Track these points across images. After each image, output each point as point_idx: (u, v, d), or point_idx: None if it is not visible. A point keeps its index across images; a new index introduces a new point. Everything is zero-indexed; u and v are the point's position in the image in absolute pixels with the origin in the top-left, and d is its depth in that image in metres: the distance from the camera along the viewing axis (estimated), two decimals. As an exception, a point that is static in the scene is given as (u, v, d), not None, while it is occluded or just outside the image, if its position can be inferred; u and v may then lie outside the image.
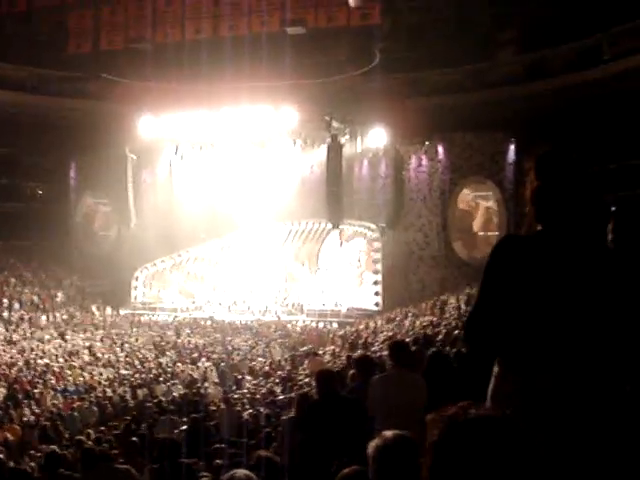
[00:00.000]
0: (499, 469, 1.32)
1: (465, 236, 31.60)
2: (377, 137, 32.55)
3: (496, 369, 2.37)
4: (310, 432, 5.16)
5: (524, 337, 2.26)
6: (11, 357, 22.93)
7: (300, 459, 4.94)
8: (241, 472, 2.81)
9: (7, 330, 28.29)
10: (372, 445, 2.36)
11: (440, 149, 32.03)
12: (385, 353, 14.76)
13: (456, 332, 15.73)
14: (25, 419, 15.39)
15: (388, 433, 2.40)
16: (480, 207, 31.70)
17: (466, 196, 31.65)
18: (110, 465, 6.12)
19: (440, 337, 15.60)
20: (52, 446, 10.40)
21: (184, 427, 11.86)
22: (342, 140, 33.48)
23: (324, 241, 35.42)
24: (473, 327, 2.39)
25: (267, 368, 20.74)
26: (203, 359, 23.42)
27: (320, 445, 4.77)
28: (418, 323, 22.05)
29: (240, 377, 19.88)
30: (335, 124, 32.94)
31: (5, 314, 30.62)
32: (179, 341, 27.32)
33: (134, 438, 10.00)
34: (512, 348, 2.30)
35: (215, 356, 24.03)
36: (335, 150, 33.30)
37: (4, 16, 33.18)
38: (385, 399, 4.37)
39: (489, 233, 30.80)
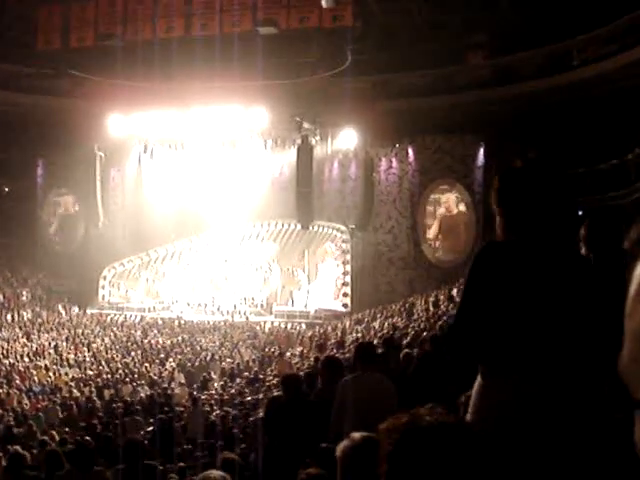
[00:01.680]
0: (455, 477, 1.31)
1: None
2: (347, 139, 32.61)
3: (479, 380, 2.36)
4: (276, 435, 5.15)
5: (507, 345, 2.26)
6: (-25, 356, 22.62)
7: (268, 461, 4.92)
8: (216, 473, 2.78)
9: (-29, 329, 27.89)
10: (340, 447, 2.36)
11: (410, 151, 32.17)
12: (353, 354, 14.80)
13: (424, 334, 15.81)
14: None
15: (356, 435, 2.40)
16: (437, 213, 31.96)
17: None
18: (83, 468, 6.03)
19: (408, 339, 15.67)
20: (15, 446, 10.27)
21: (150, 428, 11.79)
22: (312, 141, 33.51)
23: (291, 242, 35.35)
24: (455, 336, 2.38)
25: (235, 369, 20.67)
26: (170, 359, 23.29)
27: (286, 448, 4.76)
28: (387, 324, 22.12)
29: (207, 378, 19.78)
30: (306, 125, 32.95)
31: (-31, 313, 30.20)
32: (146, 341, 27.12)
33: (100, 438, 9.91)
34: (495, 356, 2.29)
35: (182, 357, 23.90)
36: (305, 151, 33.32)
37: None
38: (353, 400, 4.37)
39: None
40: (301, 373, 9.63)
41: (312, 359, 16.49)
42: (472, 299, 2.33)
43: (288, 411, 5.31)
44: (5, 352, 23.66)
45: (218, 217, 34.62)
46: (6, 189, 40.74)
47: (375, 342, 11.75)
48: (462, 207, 31.12)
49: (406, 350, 8.96)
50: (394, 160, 32.56)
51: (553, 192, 2.42)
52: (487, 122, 28.25)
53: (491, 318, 2.27)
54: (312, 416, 4.74)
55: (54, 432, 13.37)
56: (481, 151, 30.29)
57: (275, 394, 10.28)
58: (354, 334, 22.50)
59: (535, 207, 2.38)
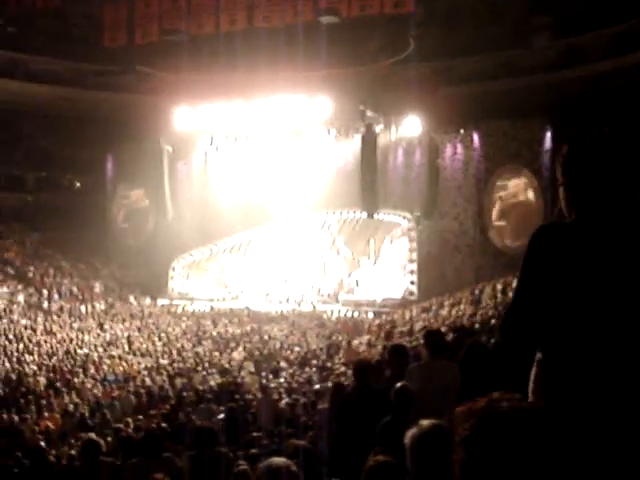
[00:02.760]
0: (532, 463, 1.30)
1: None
2: (411, 126, 32.39)
3: (539, 355, 2.34)
4: (345, 423, 5.18)
5: (565, 329, 2.23)
6: (51, 347, 23.32)
7: (336, 450, 4.97)
8: (279, 460, 2.84)
9: (47, 320, 28.76)
10: (409, 435, 2.38)
11: (475, 137, 31.77)
12: (421, 342, 14.76)
13: (493, 321, 15.69)
14: (65, 408, 15.62)
15: (425, 422, 2.41)
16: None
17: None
18: (153, 454, 6.21)
19: (477, 326, 15.57)
20: (91, 434, 10.57)
21: (221, 415, 11.99)
22: (376, 129, 33.38)
23: (357, 231, 35.37)
24: (511, 322, 2.34)
25: (303, 357, 20.82)
26: (239, 348, 23.59)
27: (355, 436, 4.80)
28: (454, 312, 22.00)
29: (276, 366, 19.99)
30: (369, 113, 32.83)
31: (45, 305, 31.12)
32: (216, 331, 27.53)
33: (172, 426, 10.13)
34: (553, 341, 2.26)
35: (251, 345, 24.18)
36: (369, 139, 33.20)
37: (39, 11, 33.55)
38: (421, 388, 4.38)
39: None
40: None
41: (380, 347, 16.52)
42: (528, 284, 2.29)
43: (357, 400, 5.34)
44: (80, 342, 24.34)
45: (283, 207, 34.82)
46: (77, 184, 41.86)
47: (443, 330, 11.68)
48: (529, 192, 30.59)
49: (474, 338, 8.90)
50: (459, 146, 32.21)
51: (624, 165, 2.31)
52: (553, 105, 27.70)
53: (549, 302, 2.24)
54: (382, 404, 4.76)
55: (129, 420, 13.72)
56: (548, 135, 29.67)
57: (340, 381, 10.36)
58: (421, 322, 22.43)
59: (603, 180, 2.29)
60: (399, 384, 4.42)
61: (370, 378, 5.64)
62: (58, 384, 18.02)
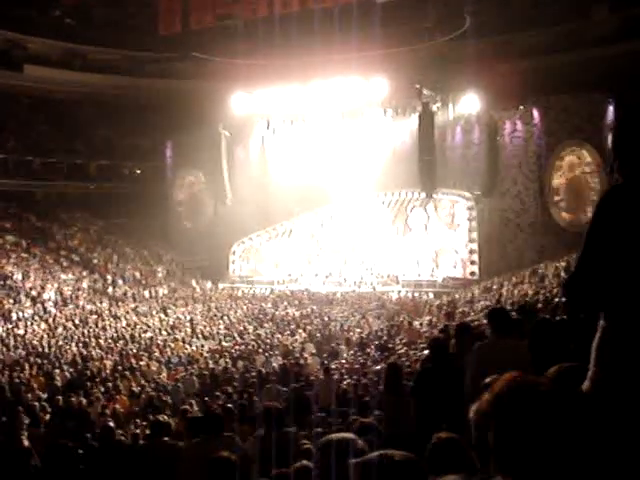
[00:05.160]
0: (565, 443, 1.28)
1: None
2: (469, 103, 31.94)
3: (603, 322, 2.31)
4: (425, 399, 5.16)
5: (631, 293, 2.19)
6: (116, 331, 23.79)
7: (417, 426, 4.96)
8: (345, 434, 2.82)
9: (111, 305, 29.36)
10: (473, 409, 2.34)
11: (535, 113, 31.16)
12: (483, 322, 14.61)
13: (556, 300, 15.41)
14: (131, 390, 15.91)
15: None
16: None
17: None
18: (214, 434, 6.27)
19: (539, 306, 15.32)
20: (157, 415, 10.74)
21: (285, 396, 12.06)
22: (433, 108, 33.06)
23: (416, 211, 35.14)
24: (576, 280, 2.33)
25: (364, 338, 20.81)
26: (300, 330, 23.70)
27: (435, 412, 4.77)
28: (516, 292, 21.70)
29: (336, 348, 20.02)
30: (426, 92, 32.53)
31: (110, 290, 31.76)
32: (277, 313, 27.71)
33: (236, 406, 10.22)
34: (618, 304, 2.23)
35: (311, 327, 24.27)
36: (427, 118, 32.91)
37: (95, 2, 34.05)
38: (488, 367, 4.31)
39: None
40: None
41: (440, 327, 16.40)
42: (595, 245, 2.27)
43: (436, 375, 5.31)
44: (144, 326, 24.77)
45: (341, 189, 34.80)
46: (138, 171, 42.51)
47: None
48: (592, 167, 29.89)
49: (540, 316, 8.75)
50: (518, 122, 31.65)
51: None
52: (615, 78, 26.97)
53: (614, 263, 2.20)
54: (458, 380, 4.72)
55: (192, 401, 13.91)
56: (610, 109, 28.89)
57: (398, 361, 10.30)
58: (483, 302, 22.20)
59: None
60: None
61: (447, 353, 5.60)
62: (124, 367, 18.37)
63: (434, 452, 2.79)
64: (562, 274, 21.96)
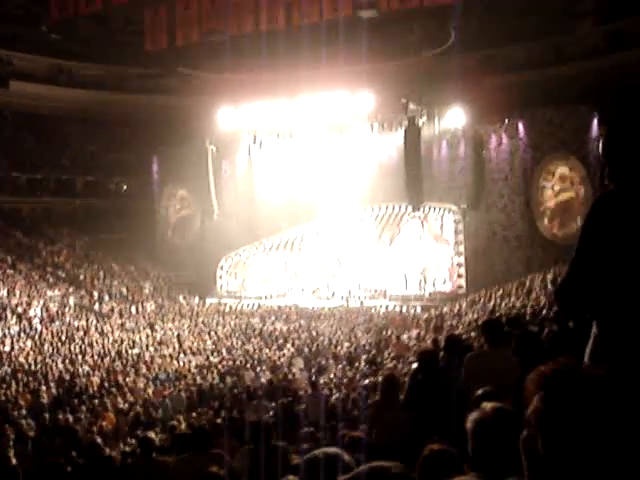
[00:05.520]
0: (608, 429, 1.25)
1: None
2: (455, 117, 32.06)
3: (595, 330, 2.31)
4: (418, 411, 5.13)
5: (623, 297, 2.20)
6: (103, 348, 23.65)
7: (399, 440, 4.92)
8: (331, 449, 2.78)
9: (98, 321, 29.18)
10: (471, 419, 2.32)
11: (520, 126, 31.32)
12: (471, 335, 14.61)
13: (544, 312, 15.46)
14: (119, 407, 15.81)
15: (487, 405, 2.36)
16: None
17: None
18: (202, 449, 6.24)
19: (527, 318, 15.35)
20: (145, 431, 10.67)
21: (272, 412, 12.01)
22: (420, 122, 33.15)
23: (403, 225, 35.21)
24: (568, 288, 2.34)
25: (352, 353, 20.78)
26: (288, 345, 23.64)
27: (426, 424, 4.75)
28: (503, 305, 21.76)
29: (324, 362, 19.98)
30: (412, 106, 32.64)
31: (96, 306, 31.57)
32: (264, 328, 27.64)
33: (224, 421, 10.17)
34: (610, 309, 2.23)
35: (299, 342, 24.21)
36: (413, 132, 32.99)
37: (81, 17, 34.01)
38: (481, 377, 4.30)
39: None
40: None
41: (429, 341, 16.40)
42: (587, 250, 2.28)
43: (426, 387, 5.29)
44: (131, 343, 24.64)
45: (329, 203, 34.81)
46: (124, 187, 42.41)
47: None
48: (577, 181, 30.05)
49: (526, 328, 8.77)
50: (504, 136, 31.80)
51: None
52: (600, 91, 27.15)
53: (608, 270, 2.21)
54: (448, 392, 4.71)
55: (180, 417, 13.83)
56: (595, 122, 29.09)
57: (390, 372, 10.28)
58: (470, 315, 22.24)
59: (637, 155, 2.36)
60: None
61: (437, 365, 5.59)
62: (111, 384, 18.25)
63: (426, 464, 2.77)
64: (549, 286, 22.03)
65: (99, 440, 9.36)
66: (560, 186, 30.65)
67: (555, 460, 1.28)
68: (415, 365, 7.56)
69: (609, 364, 2.19)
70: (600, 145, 2.49)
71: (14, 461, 8.36)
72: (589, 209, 2.36)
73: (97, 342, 24.74)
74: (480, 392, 3.61)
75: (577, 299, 2.31)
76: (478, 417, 2.31)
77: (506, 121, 31.51)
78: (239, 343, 24.60)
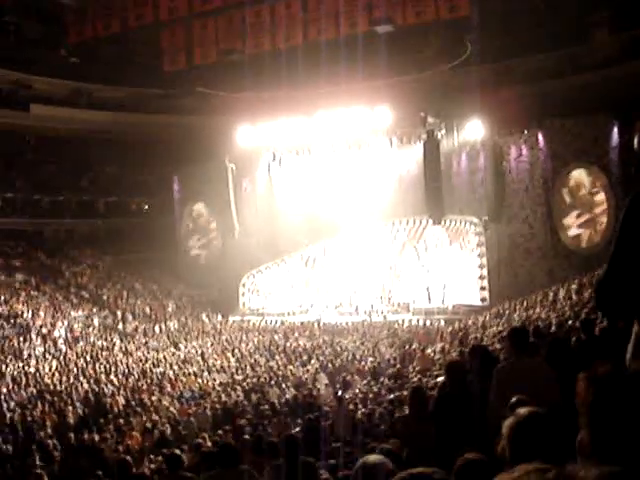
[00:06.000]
0: None
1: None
2: (474, 129, 32.01)
3: (637, 328, 2.27)
4: (443, 425, 5.08)
5: None
6: (127, 367, 23.70)
7: (437, 452, 4.87)
8: (375, 456, 2.78)
9: (122, 341, 29.29)
10: (507, 424, 2.29)
11: (540, 137, 31.22)
12: (497, 347, 14.50)
13: (569, 322, 15.30)
14: (144, 426, 15.80)
15: (522, 410, 2.33)
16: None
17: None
18: (230, 466, 6.21)
19: (553, 329, 15.20)
20: (172, 449, 10.65)
21: (297, 428, 11.96)
22: (438, 135, 33.14)
23: (424, 238, 35.11)
24: (606, 286, 2.29)
25: (377, 367, 20.68)
26: (312, 361, 23.56)
27: (450, 438, 4.70)
28: (528, 316, 21.57)
29: (349, 378, 19.89)
30: (430, 119, 32.65)
31: (120, 326, 31.71)
32: (288, 344, 27.59)
33: (250, 438, 10.13)
34: None
35: (323, 358, 24.13)
36: (432, 146, 32.98)
37: (100, 39, 34.38)
38: (509, 387, 4.25)
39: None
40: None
41: (454, 354, 16.27)
42: (625, 247, 2.24)
43: (455, 399, 5.23)
44: (155, 361, 24.68)
45: (349, 219, 34.82)
46: (146, 206, 42.67)
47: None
48: (599, 190, 29.85)
49: (554, 337, 8.67)
50: (524, 147, 31.71)
51: None
52: (619, 100, 27.05)
53: None
54: (476, 404, 4.65)
55: (206, 435, 13.79)
56: (615, 130, 28.94)
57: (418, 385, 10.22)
58: (495, 327, 22.06)
59: None
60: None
61: (464, 377, 5.54)
62: (136, 403, 18.27)
63: (462, 473, 2.74)
64: (574, 296, 21.85)
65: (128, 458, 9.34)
66: (582, 196, 30.43)
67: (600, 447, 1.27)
68: (442, 377, 7.52)
69: None
70: (636, 139, 2.46)
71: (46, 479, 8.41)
72: (626, 205, 2.32)
73: (121, 362, 24.80)
74: (514, 400, 3.57)
75: (617, 297, 2.27)
76: (514, 422, 2.28)
77: (525, 132, 31.45)
78: (263, 360, 24.56)
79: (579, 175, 30.44)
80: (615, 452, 1.24)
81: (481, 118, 31.32)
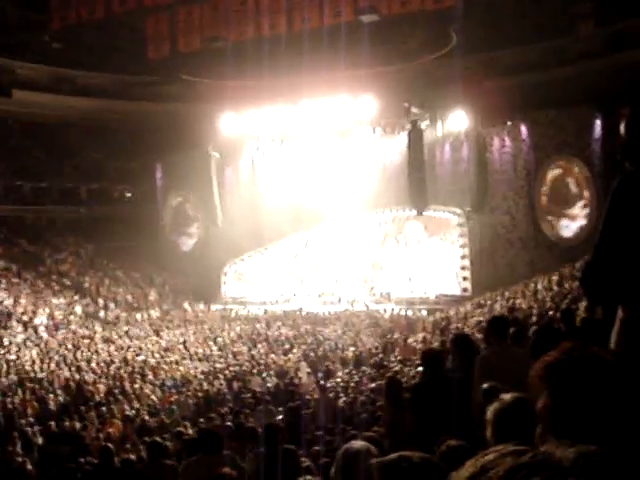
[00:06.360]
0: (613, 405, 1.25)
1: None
2: (458, 120, 32.08)
3: (621, 314, 2.29)
4: (419, 413, 5.12)
5: None
6: (109, 355, 23.66)
7: (414, 440, 4.91)
8: (359, 442, 2.81)
9: (104, 329, 29.21)
10: (491, 409, 2.33)
11: (523, 128, 31.35)
12: (478, 337, 14.60)
13: (550, 313, 15.44)
14: (125, 414, 15.80)
15: (506, 396, 2.36)
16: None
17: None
18: (213, 452, 6.24)
19: (534, 319, 15.34)
20: (154, 437, 10.66)
21: (280, 417, 12.00)
22: (422, 126, 33.18)
23: (407, 228, 35.20)
24: (593, 273, 2.32)
25: (359, 357, 20.77)
26: (294, 350, 23.63)
27: (427, 426, 4.73)
28: (509, 307, 21.72)
29: (331, 366, 19.96)
30: (414, 110, 32.68)
31: (102, 314, 31.59)
32: (270, 333, 27.63)
33: (232, 426, 10.16)
34: (636, 292, 2.21)
35: (306, 347, 24.20)
36: (416, 136, 33.03)
37: (84, 25, 34.06)
38: (492, 375, 4.28)
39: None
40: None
41: (436, 344, 16.38)
42: (611, 233, 2.26)
43: (430, 388, 5.27)
44: (137, 349, 24.65)
45: (333, 208, 34.83)
46: (128, 195, 42.47)
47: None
48: (582, 181, 30.04)
49: (535, 327, 8.74)
50: (507, 138, 31.83)
51: None
52: (602, 92, 27.17)
53: (633, 252, 2.19)
54: (456, 392, 4.69)
55: (187, 423, 13.83)
56: (597, 123, 29.11)
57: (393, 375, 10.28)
58: (476, 317, 22.22)
59: None
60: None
61: (440, 365, 5.58)
62: (117, 391, 18.26)
63: (443, 459, 2.77)
64: (555, 288, 22.03)
65: (110, 445, 9.36)
66: (564, 187, 30.62)
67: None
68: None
69: (636, 348, 2.18)
70: (622, 125, 2.48)
71: (29, 466, 8.40)
72: (611, 191, 2.34)
73: (103, 349, 24.76)
74: (486, 386, 3.60)
75: (603, 283, 2.29)
76: (498, 407, 2.31)
77: (508, 123, 31.55)
78: (245, 349, 24.59)
79: (561, 167, 30.60)
80: (575, 432, 1.26)
81: (465, 109, 31.39)
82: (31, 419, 15.21)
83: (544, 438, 1.37)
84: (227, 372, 20.23)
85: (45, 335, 27.61)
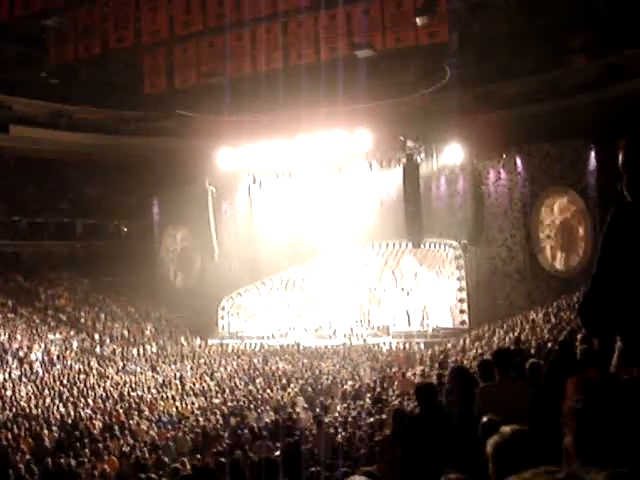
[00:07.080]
0: None
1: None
2: (453, 154, 32.26)
3: (620, 344, 2.28)
4: (413, 447, 5.06)
5: None
6: (105, 390, 23.46)
7: (406, 474, 4.85)
8: (359, 477, 2.76)
9: (100, 365, 29.00)
10: (491, 442, 2.29)
11: (518, 161, 31.52)
12: (476, 370, 14.51)
13: (549, 345, 15.36)
14: (121, 450, 15.62)
15: (506, 428, 2.33)
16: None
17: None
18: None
19: (532, 351, 15.25)
20: (150, 474, 10.54)
21: (278, 452, 11.87)
22: (418, 159, 33.34)
23: (403, 262, 35.20)
24: (591, 304, 2.31)
25: (357, 391, 20.61)
26: (292, 385, 23.45)
27: (424, 460, 4.67)
28: (508, 339, 21.64)
29: (328, 401, 19.80)
30: (410, 143, 32.84)
31: (98, 349, 31.41)
32: (267, 368, 27.46)
33: (229, 462, 10.04)
34: (634, 322, 2.20)
35: (303, 381, 24.03)
36: (411, 169, 33.16)
37: (80, 61, 34.28)
38: (492, 407, 4.24)
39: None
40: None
41: (434, 377, 16.26)
42: (608, 264, 2.26)
43: (425, 421, 5.21)
44: (133, 385, 24.45)
45: (329, 242, 34.84)
46: (124, 229, 42.47)
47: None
48: (577, 213, 30.13)
49: (532, 360, 8.69)
50: (502, 171, 31.97)
51: None
52: (596, 124, 27.34)
53: (630, 282, 2.18)
54: (450, 427, 4.63)
55: (185, 460, 13.65)
56: (592, 155, 29.28)
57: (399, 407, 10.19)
58: (474, 350, 22.10)
59: None
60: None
61: (434, 399, 5.53)
62: (113, 427, 18.07)
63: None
64: (552, 319, 21.96)
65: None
66: (559, 220, 30.70)
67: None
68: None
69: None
70: (620, 157, 2.51)
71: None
72: (607, 223, 2.35)
73: (99, 385, 24.55)
74: (485, 420, 3.57)
75: (600, 316, 2.28)
76: (499, 440, 2.28)
77: (504, 156, 31.72)
78: (242, 384, 24.40)
79: (556, 199, 30.70)
80: (601, 457, 1.24)
81: (460, 142, 31.60)
82: (27, 456, 15.03)
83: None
84: (224, 407, 20.05)
85: (40, 371, 27.41)
